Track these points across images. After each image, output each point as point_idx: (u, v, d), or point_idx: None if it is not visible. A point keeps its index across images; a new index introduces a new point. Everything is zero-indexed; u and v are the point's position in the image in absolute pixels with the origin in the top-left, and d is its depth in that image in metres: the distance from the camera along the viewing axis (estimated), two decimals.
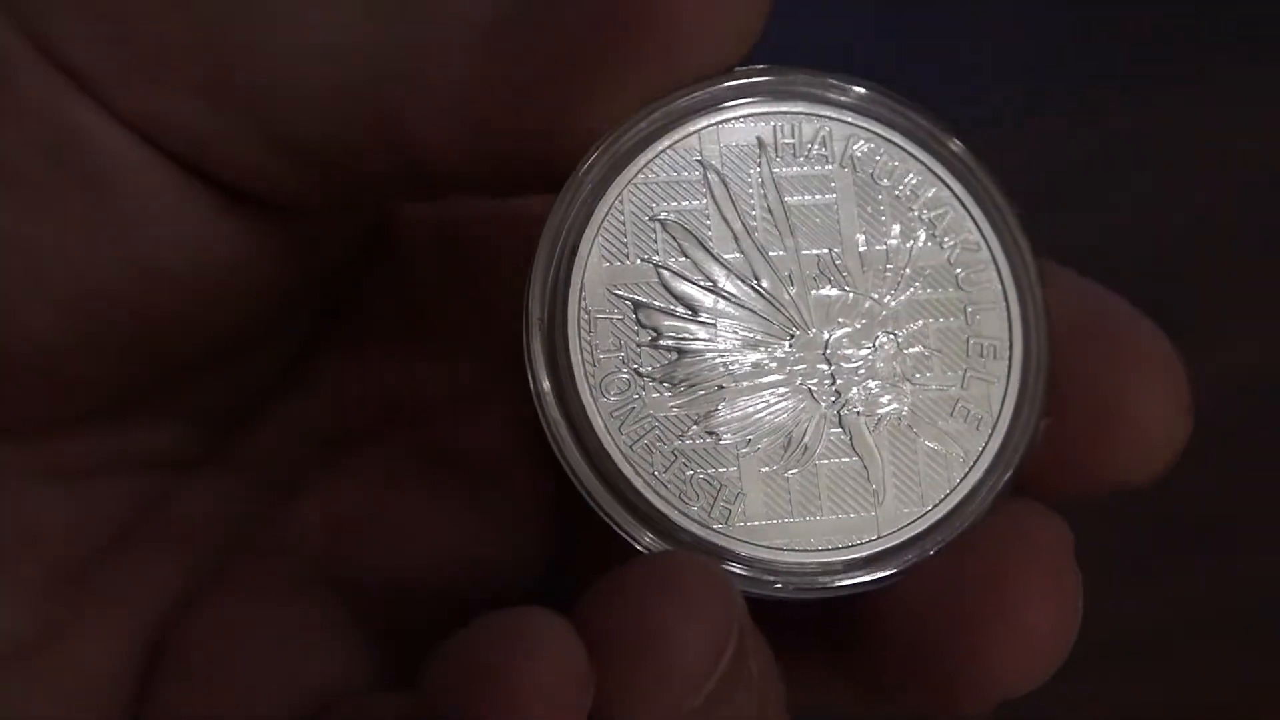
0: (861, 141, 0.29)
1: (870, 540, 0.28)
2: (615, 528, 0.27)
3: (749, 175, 0.28)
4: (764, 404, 0.28)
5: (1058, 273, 0.29)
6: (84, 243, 0.28)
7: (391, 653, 0.32)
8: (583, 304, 0.28)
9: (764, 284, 0.28)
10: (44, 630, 0.32)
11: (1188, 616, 0.49)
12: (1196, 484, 0.49)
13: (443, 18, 0.27)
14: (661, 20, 0.27)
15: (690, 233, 0.28)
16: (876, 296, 0.28)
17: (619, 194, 0.28)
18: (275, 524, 0.33)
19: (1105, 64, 0.60)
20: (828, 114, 0.29)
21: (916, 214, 0.29)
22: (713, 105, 0.28)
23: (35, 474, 0.32)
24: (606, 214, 0.28)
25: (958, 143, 0.29)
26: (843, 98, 0.29)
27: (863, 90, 0.29)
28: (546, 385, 0.28)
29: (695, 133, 0.28)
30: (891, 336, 0.28)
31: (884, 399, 0.28)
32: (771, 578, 0.28)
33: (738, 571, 0.27)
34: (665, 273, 0.28)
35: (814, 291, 0.28)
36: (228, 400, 0.33)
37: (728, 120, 0.28)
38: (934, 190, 0.29)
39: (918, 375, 0.28)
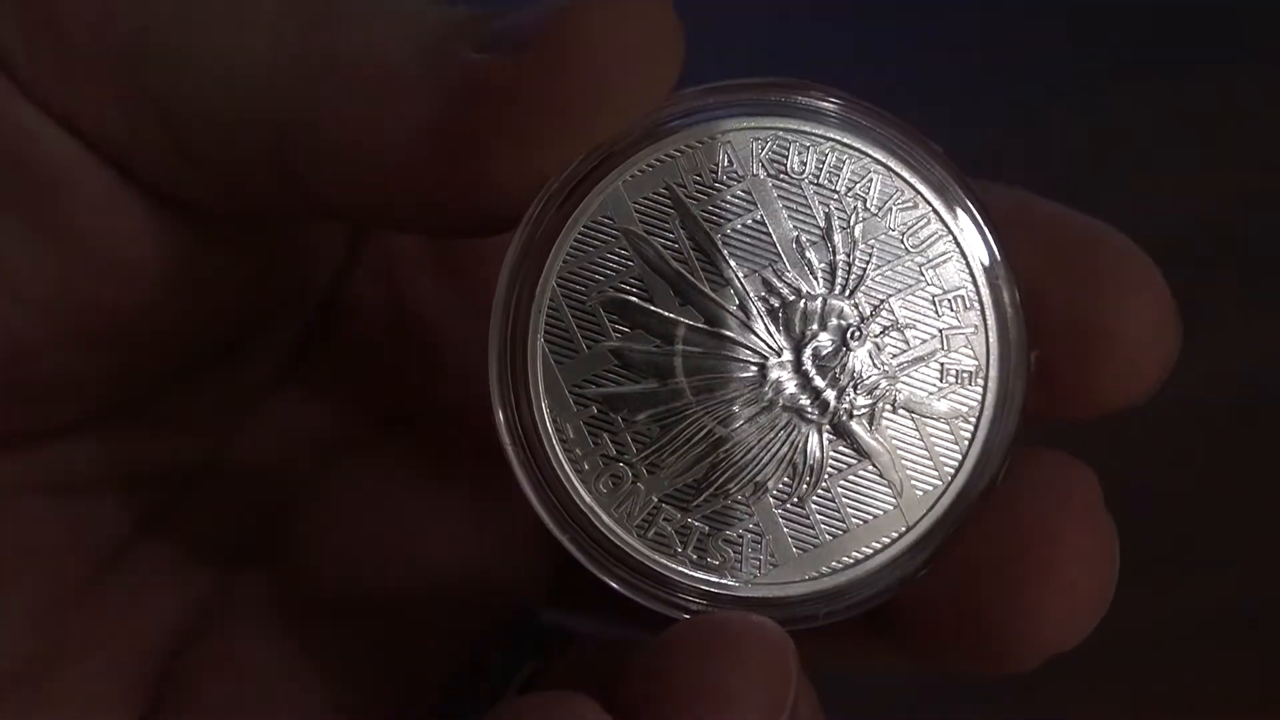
0: (764, 143, 0.27)
1: (903, 533, 0.28)
2: (663, 610, 0.27)
3: (669, 224, 0.27)
4: (759, 443, 0.27)
5: (1020, 196, 0.29)
6: (47, 242, 0.29)
7: (400, 674, 0.32)
8: (550, 415, 0.27)
9: (721, 325, 0.27)
10: (46, 652, 0.32)
11: (1188, 617, 0.49)
12: (1196, 483, 0.49)
13: (345, 68, 0.27)
14: (560, 96, 0.26)
15: (631, 302, 0.27)
16: (832, 292, 0.28)
17: (548, 289, 0.27)
18: (276, 543, 0.33)
19: (1104, 64, 0.58)
20: (723, 128, 0.27)
21: (844, 193, 0.28)
22: (611, 165, 0.27)
23: (32, 488, 0.32)
24: (543, 314, 0.27)
25: (852, 104, 0.28)
26: (732, 105, 0.28)
27: (748, 91, 0.28)
28: (542, 506, 0.27)
29: (604, 198, 0.27)
30: (859, 327, 0.28)
31: (872, 392, 0.28)
32: (820, 604, 0.28)
33: (786, 616, 0.27)
34: (621, 351, 0.27)
35: (767, 312, 0.27)
36: (221, 409, 0.34)
37: (631, 174, 0.27)
38: (852, 163, 0.28)
39: (897, 354, 0.28)
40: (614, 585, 0.27)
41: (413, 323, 0.34)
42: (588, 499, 0.27)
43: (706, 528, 0.27)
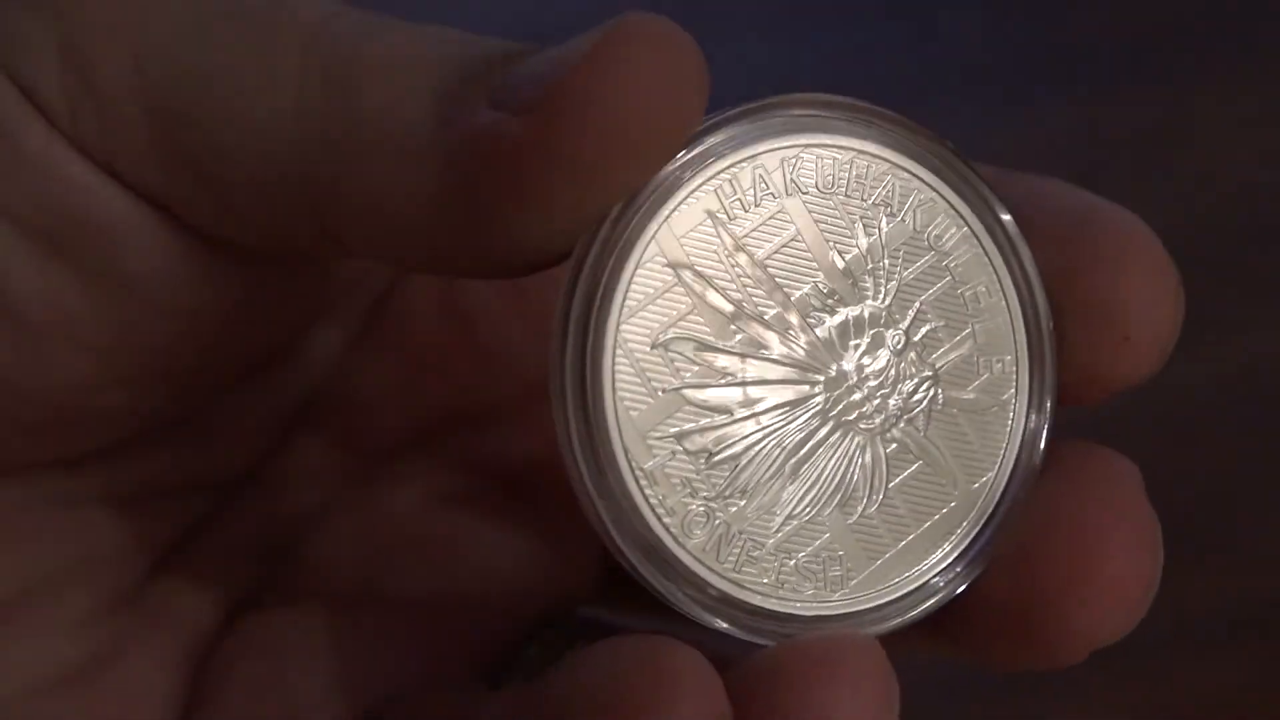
0: (793, 161, 0.27)
1: (963, 526, 0.28)
2: (757, 641, 0.27)
3: (716, 253, 0.27)
4: (826, 461, 0.28)
5: (1031, 181, 0.29)
6: (106, 291, 0.28)
7: (439, 666, 0.32)
8: (633, 464, 0.26)
9: (775, 351, 0.27)
10: (94, 656, 0.32)
11: (1188, 617, 0.50)
12: (1195, 483, 0.50)
13: (364, 127, 0.26)
14: (577, 154, 0.25)
15: (690, 340, 0.27)
16: (871, 301, 0.28)
17: (614, 336, 0.26)
18: (317, 544, 0.33)
19: (1103, 64, 0.58)
20: (754, 151, 0.27)
21: (870, 202, 0.28)
22: (655, 204, 0.27)
23: (82, 500, 0.32)
24: (613, 362, 0.26)
25: (864, 110, 0.28)
26: (760, 126, 0.27)
27: (770, 110, 0.28)
28: (635, 559, 0.27)
29: (651, 237, 0.26)
30: (899, 331, 0.28)
31: (919, 394, 0.28)
32: (898, 610, 0.28)
33: (870, 626, 0.28)
34: (688, 392, 0.27)
35: (818, 330, 0.27)
36: (267, 416, 0.34)
37: (674, 210, 0.27)
38: (874, 170, 0.28)
39: (935, 353, 0.28)
40: (713, 627, 0.27)
41: (468, 326, 0.34)
42: (677, 547, 0.27)
43: (788, 552, 0.27)
